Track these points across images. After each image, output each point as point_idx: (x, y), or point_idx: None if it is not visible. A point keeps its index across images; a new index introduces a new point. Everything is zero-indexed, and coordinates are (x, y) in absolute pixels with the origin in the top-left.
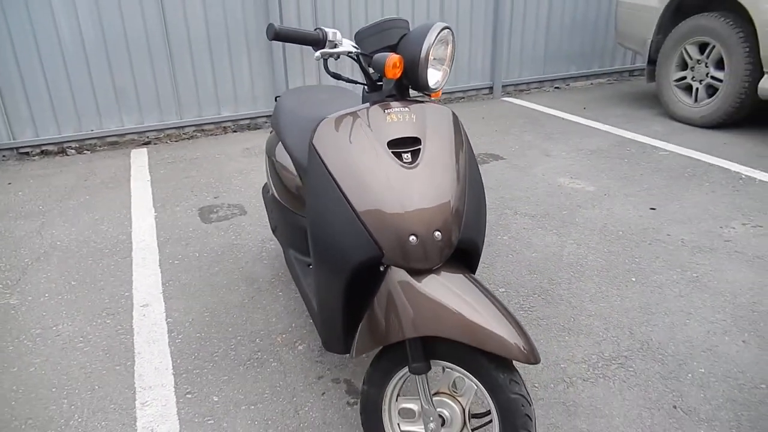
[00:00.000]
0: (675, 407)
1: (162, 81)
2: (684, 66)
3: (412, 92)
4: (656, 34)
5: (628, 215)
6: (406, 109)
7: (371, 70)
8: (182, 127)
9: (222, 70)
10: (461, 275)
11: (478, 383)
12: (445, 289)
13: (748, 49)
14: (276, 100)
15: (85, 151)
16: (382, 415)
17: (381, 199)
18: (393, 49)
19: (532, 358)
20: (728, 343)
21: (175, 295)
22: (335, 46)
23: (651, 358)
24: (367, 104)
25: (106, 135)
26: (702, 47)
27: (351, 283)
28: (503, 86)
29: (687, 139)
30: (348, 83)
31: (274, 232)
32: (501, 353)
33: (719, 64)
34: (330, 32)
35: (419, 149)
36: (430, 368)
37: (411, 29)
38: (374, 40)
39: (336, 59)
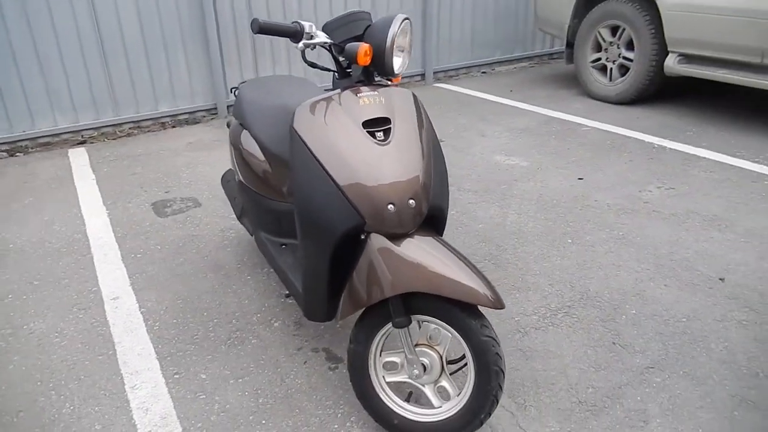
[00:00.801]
0: (614, 343)
1: (96, 77)
2: (599, 48)
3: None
4: (572, 19)
5: (560, 185)
6: (375, 92)
7: (341, 59)
8: (119, 124)
9: (158, 65)
10: (432, 238)
11: (453, 331)
12: (420, 250)
13: (653, 31)
14: (233, 91)
15: (17, 154)
16: (368, 370)
17: (360, 174)
18: (359, 38)
19: (498, 304)
20: (653, 287)
21: (144, 287)
22: (311, 37)
23: (590, 305)
24: (338, 90)
25: (39, 136)
26: (614, 30)
27: (335, 253)
28: (434, 73)
29: (605, 115)
30: (323, 71)
31: (239, 218)
32: (472, 301)
33: (630, 46)
34: (306, 25)
35: (390, 128)
36: (411, 322)
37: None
38: (342, 31)
39: (312, 49)
